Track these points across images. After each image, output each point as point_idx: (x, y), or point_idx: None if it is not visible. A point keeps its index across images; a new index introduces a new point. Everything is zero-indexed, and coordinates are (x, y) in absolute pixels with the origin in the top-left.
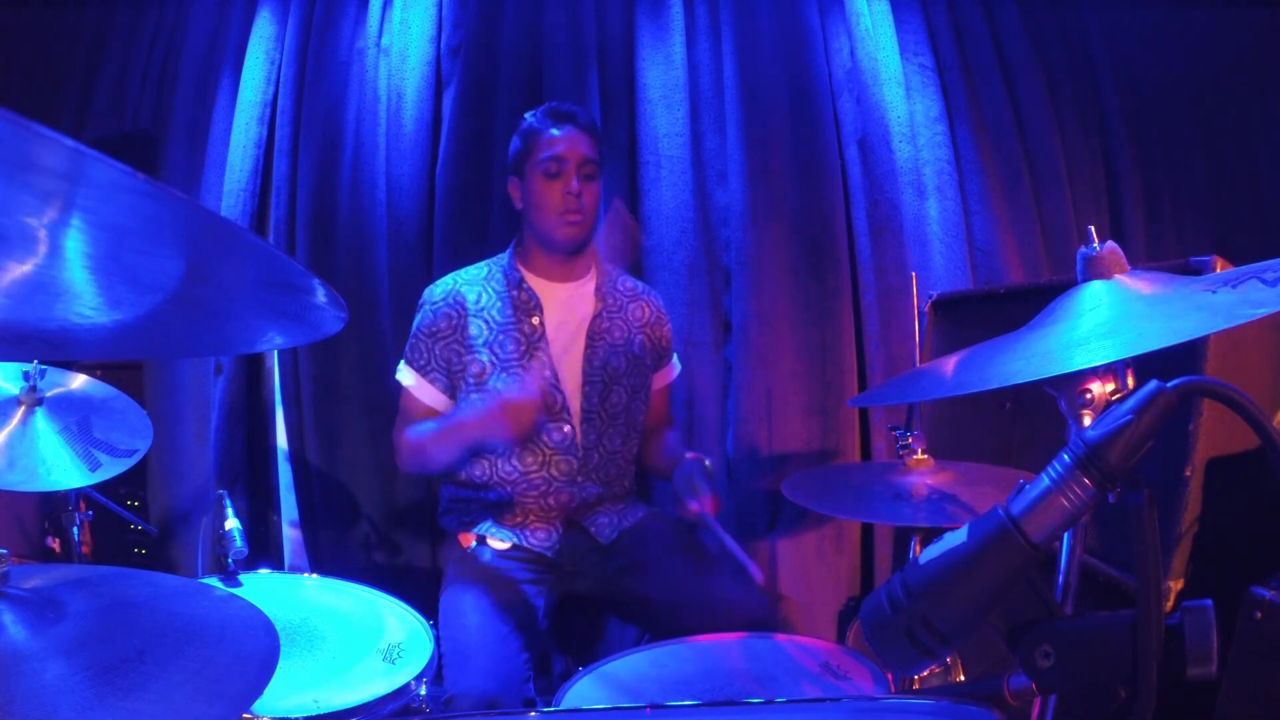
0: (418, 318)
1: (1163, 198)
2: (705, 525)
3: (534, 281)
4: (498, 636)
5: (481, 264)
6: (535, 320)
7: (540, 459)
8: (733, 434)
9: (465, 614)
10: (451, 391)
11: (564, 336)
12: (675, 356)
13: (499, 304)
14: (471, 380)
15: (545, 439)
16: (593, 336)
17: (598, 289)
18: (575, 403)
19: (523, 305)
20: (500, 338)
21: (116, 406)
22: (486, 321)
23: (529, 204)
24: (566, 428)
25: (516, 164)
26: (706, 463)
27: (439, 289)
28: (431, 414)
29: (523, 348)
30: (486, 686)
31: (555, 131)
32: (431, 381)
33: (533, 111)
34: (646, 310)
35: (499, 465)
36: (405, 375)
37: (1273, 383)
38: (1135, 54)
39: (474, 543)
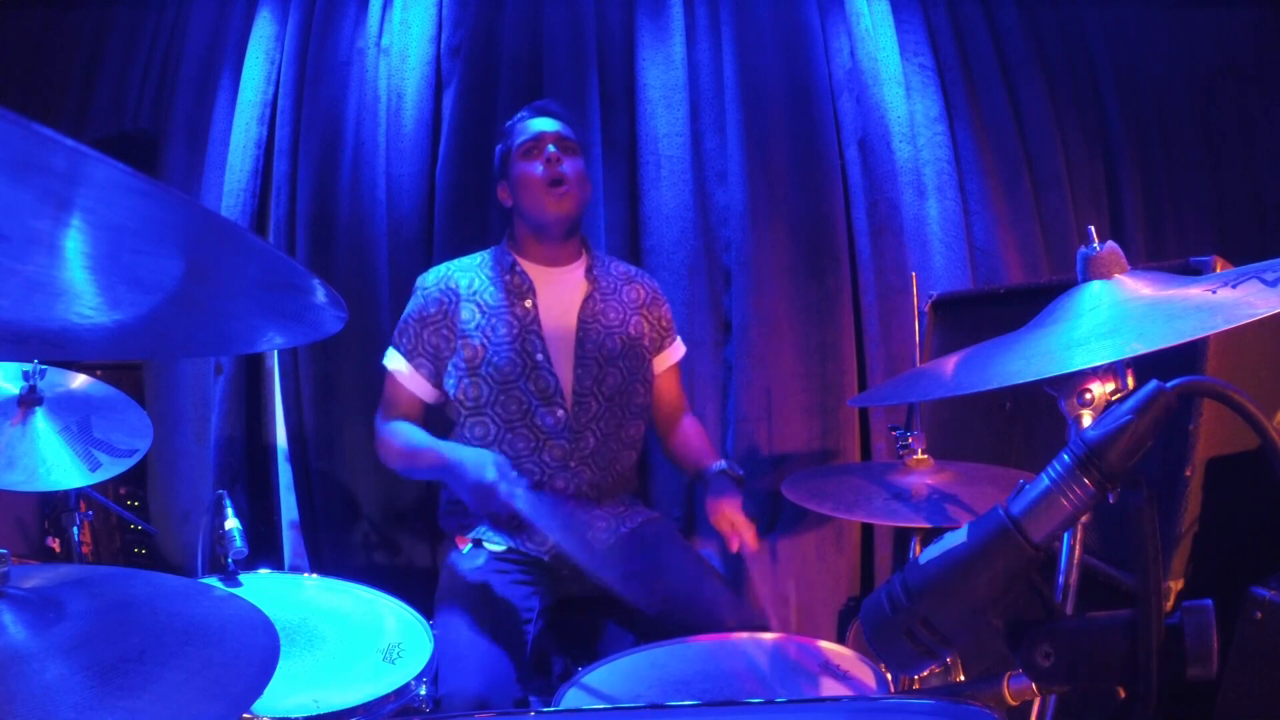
0: (410, 303)
1: (1163, 198)
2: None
3: (526, 266)
4: (487, 640)
5: (475, 254)
6: (528, 303)
7: (532, 444)
8: (733, 434)
9: (458, 617)
10: (437, 379)
11: (556, 319)
12: (679, 338)
13: (491, 288)
14: (464, 364)
15: (538, 423)
16: (585, 318)
17: (589, 271)
18: (568, 385)
19: (515, 288)
20: (493, 321)
21: (116, 406)
22: (479, 305)
23: (517, 192)
24: (560, 411)
25: (503, 165)
26: (736, 475)
27: (431, 275)
28: (415, 402)
29: (515, 330)
30: (476, 688)
31: (530, 119)
32: (417, 367)
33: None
34: (641, 292)
35: (489, 449)
36: (392, 359)
37: (1273, 382)
38: (1135, 54)
39: (470, 544)
